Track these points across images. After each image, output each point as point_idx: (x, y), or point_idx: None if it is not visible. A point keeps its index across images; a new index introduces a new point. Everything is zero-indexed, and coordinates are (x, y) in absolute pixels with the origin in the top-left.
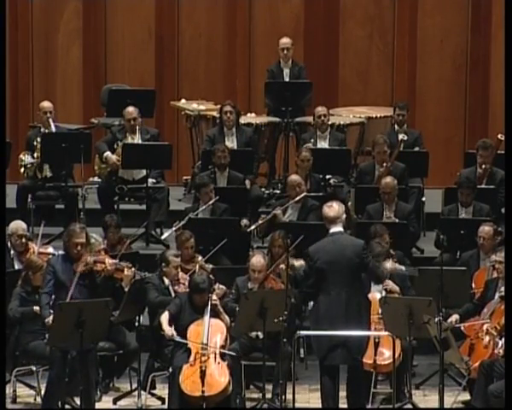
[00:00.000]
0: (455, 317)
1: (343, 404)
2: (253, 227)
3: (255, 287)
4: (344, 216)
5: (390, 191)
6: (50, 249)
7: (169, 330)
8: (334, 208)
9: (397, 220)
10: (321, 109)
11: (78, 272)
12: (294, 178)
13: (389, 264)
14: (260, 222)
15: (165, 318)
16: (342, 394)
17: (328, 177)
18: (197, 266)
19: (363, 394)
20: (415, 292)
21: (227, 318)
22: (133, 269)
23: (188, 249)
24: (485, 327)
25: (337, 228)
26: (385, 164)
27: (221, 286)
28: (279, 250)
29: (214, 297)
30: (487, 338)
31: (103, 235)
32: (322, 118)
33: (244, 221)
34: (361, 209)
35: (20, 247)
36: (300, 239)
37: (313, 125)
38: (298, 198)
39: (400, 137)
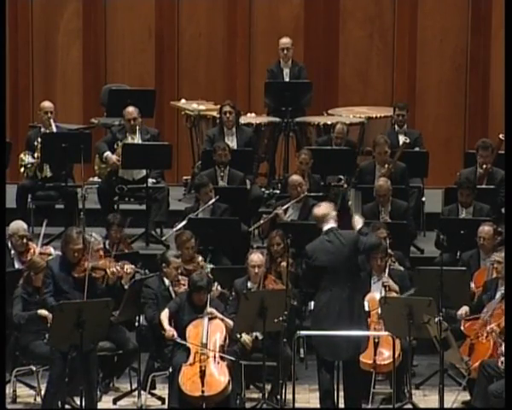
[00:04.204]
0: (465, 309)
1: (343, 404)
2: (255, 226)
3: (254, 287)
4: (334, 213)
5: (384, 194)
6: (51, 250)
7: (170, 330)
8: (322, 207)
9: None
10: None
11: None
12: (295, 178)
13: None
14: (262, 222)
15: (165, 316)
16: (341, 393)
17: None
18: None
19: (360, 390)
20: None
21: (230, 321)
22: (133, 267)
23: (188, 250)
24: (488, 328)
25: (329, 225)
26: (387, 165)
27: (218, 288)
28: (277, 248)
29: (209, 310)
30: (486, 336)
31: (105, 234)
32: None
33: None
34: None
35: (20, 247)
36: (300, 238)
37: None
38: (299, 198)
39: (403, 139)
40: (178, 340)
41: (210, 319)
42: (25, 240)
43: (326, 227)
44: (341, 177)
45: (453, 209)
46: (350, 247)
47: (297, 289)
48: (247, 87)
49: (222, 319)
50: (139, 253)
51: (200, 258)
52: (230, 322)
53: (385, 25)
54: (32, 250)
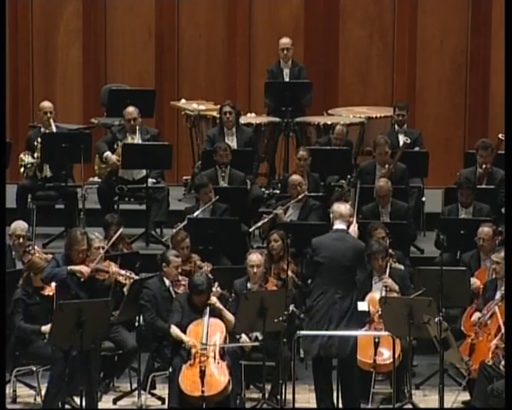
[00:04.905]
0: (477, 315)
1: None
2: (255, 227)
3: (254, 287)
4: (351, 219)
5: (385, 195)
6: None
7: (190, 341)
8: (345, 206)
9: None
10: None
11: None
12: (295, 177)
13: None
14: (262, 222)
15: (177, 330)
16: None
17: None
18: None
19: (357, 391)
20: (414, 291)
21: (230, 314)
22: (135, 277)
23: (184, 249)
24: (492, 344)
25: (341, 226)
26: (387, 165)
27: (218, 289)
28: (274, 244)
29: (213, 300)
30: (492, 356)
31: (104, 234)
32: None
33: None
34: (361, 209)
35: (18, 247)
36: (300, 238)
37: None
38: (299, 198)
39: (403, 140)
40: (204, 346)
41: (211, 311)
42: (21, 240)
43: (337, 226)
44: (343, 181)
45: (453, 209)
46: (353, 250)
47: (297, 290)
48: (247, 87)
49: (222, 310)
50: (139, 253)
51: (196, 257)
52: (230, 316)
53: (385, 25)
54: (32, 251)
